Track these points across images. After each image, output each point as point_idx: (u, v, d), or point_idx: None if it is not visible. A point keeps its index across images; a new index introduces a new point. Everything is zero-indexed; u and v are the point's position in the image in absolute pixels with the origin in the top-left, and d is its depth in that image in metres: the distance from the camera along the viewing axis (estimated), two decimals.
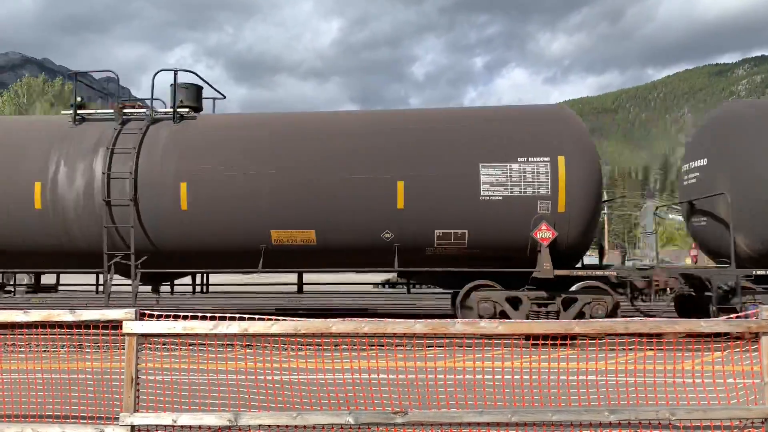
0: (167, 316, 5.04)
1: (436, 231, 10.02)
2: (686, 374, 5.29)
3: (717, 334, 5.09)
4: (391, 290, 20.34)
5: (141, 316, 5.02)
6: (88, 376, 5.56)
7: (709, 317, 9.60)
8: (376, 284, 19.98)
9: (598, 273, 10.25)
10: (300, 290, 12.34)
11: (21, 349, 6.53)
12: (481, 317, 9.86)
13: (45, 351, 6.23)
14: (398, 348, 5.73)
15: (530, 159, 9.91)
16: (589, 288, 10.19)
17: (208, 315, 5.06)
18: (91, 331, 5.37)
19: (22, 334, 5.63)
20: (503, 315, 10.03)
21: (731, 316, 5.08)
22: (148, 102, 11.23)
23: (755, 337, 4.91)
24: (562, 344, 5.88)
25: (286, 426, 4.83)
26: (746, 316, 5.12)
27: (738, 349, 5.40)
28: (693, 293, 11.07)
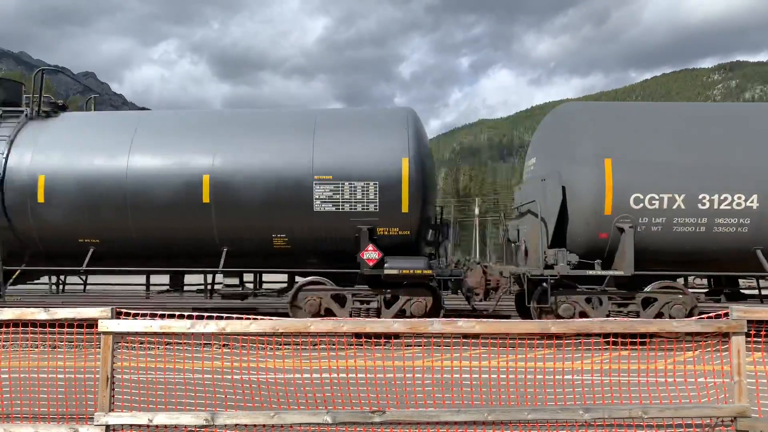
0: (143, 315, 4.99)
1: None
2: (659, 374, 5.39)
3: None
4: None
5: (117, 315, 4.97)
6: (62, 376, 5.47)
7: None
8: None
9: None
10: None
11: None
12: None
13: (17, 350, 6.13)
14: (377, 347, 5.74)
15: None
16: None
17: (185, 314, 5.02)
18: (66, 330, 5.30)
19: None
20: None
21: (703, 316, 5.18)
22: None
23: (726, 337, 5.02)
24: (539, 343, 5.93)
25: (264, 425, 4.81)
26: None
27: (709, 349, 5.51)
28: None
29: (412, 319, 5.00)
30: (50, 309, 4.98)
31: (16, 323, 5.14)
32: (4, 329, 5.52)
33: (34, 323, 5.19)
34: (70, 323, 5.18)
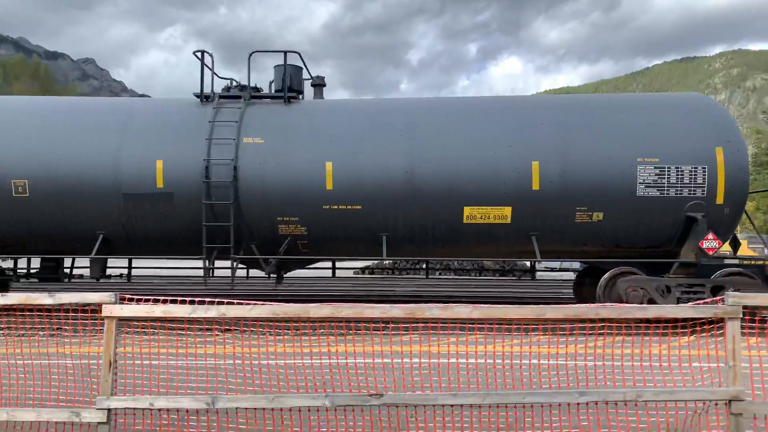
0: (146, 300, 5.05)
1: None
2: (653, 358, 5.46)
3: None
4: None
5: (121, 300, 5.03)
6: (65, 361, 5.55)
7: None
8: None
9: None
10: None
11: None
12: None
13: (22, 335, 6.19)
14: (375, 332, 5.82)
15: None
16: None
17: (187, 299, 5.08)
18: (71, 314, 5.36)
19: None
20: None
21: (699, 302, 5.24)
22: None
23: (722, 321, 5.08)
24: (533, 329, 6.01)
25: (263, 409, 4.89)
26: None
27: (705, 335, 5.58)
28: None
29: (411, 305, 5.05)
30: (55, 294, 5.04)
31: (21, 308, 5.20)
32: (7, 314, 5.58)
33: (39, 308, 5.26)
34: (75, 308, 5.25)
